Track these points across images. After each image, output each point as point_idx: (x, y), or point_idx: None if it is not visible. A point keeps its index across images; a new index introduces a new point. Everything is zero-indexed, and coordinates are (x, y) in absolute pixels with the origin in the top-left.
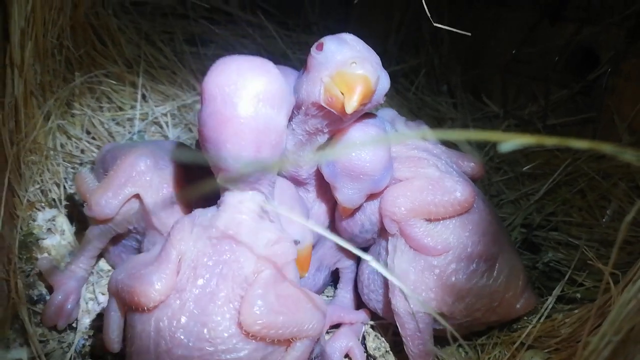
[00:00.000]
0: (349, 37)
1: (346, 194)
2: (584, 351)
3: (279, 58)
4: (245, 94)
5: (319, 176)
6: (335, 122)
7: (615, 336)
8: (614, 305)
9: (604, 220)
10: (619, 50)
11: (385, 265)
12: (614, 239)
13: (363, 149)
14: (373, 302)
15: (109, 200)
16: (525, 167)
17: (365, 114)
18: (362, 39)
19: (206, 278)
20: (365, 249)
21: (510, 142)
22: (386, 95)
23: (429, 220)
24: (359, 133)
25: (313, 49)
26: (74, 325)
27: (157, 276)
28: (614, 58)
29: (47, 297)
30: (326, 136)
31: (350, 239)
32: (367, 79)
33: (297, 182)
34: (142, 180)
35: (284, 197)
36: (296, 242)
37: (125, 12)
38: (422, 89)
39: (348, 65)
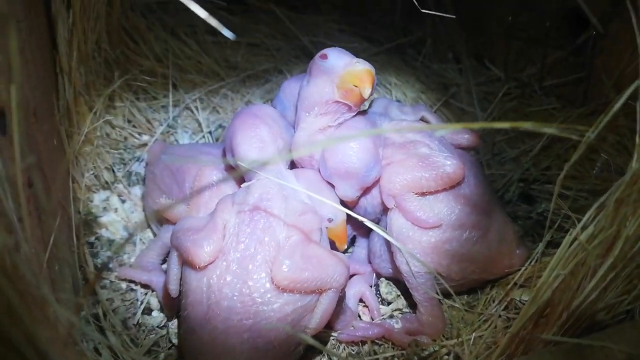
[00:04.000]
0: (341, 49)
1: (342, 190)
2: (537, 282)
3: (291, 40)
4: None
5: None
6: (344, 114)
7: (563, 270)
8: (563, 244)
9: (594, 172)
10: (605, 12)
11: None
12: (602, 189)
13: (348, 151)
14: (384, 269)
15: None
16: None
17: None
18: (369, 13)
19: (246, 243)
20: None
21: (443, 130)
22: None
23: (423, 194)
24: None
25: (318, 59)
26: (133, 287)
27: (207, 242)
28: (601, 20)
29: (110, 265)
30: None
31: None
32: (371, 71)
33: None
34: (219, 192)
35: (311, 183)
36: (330, 220)
37: (152, 12)
38: (429, 57)
39: (353, 64)
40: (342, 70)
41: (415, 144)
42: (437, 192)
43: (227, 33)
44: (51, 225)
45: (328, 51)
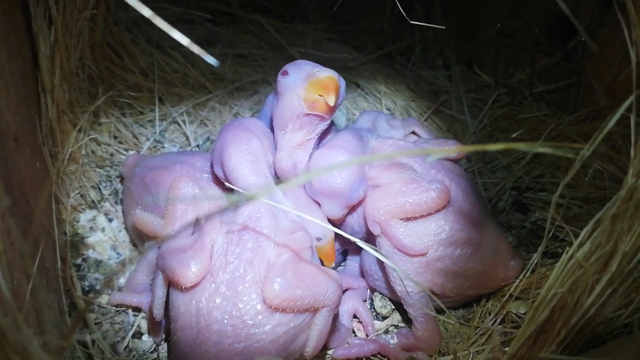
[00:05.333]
0: (302, 60)
1: (327, 209)
2: (534, 300)
3: (278, 50)
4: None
5: None
6: (318, 125)
7: (561, 288)
8: (560, 262)
9: (586, 179)
10: (594, 18)
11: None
12: (595, 196)
13: (332, 172)
14: (379, 288)
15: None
16: (515, 134)
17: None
18: (358, 22)
19: (235, 264)
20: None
21: (435, 155)
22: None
23: (408, 219)
24: (326, 158)
25: (280, 77)
26: (123, 309)
27: (194, 261)
28: (590, 26)
29: (97, 287)
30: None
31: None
32: (333, 77)
33: None
34: (195, 203)
35: (301, 201)
36: (318, 239)
37: (136, 25)
38: (418, 64)
39: (314, 74)
40: (304, 82)
41: (400, 167)
42: (422, 217)
43: (211, 60)
44: (34, 254)
45: (288, 67)
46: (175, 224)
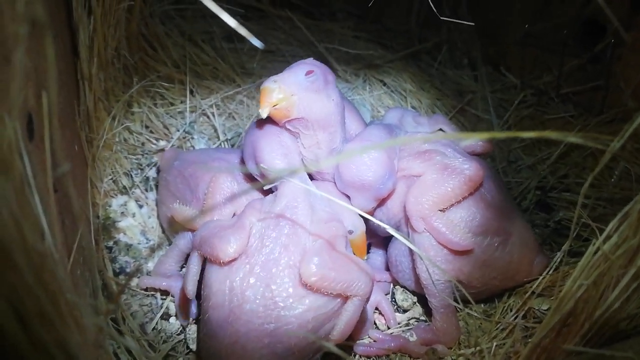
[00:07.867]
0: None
1: (357, 202)
2: (559, 293)
3: (307, 46)
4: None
5: None
6: (305, 125)
7: (586, 280)
8: (586, 254)
9: (612, 180)
10: (623, 21)
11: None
12: (620, 197)
13: (361, 165)
14: (402, 280)
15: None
16: None
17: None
18: (383, 21)
19: (270, 247)
20: (390, 236)
21: (469, 139)
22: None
23: (443, 211)
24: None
25: None
26: (151, 293)
27: (234, 237)
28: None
29: (127, 269)
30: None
31: (375, 230)
32: (264, 89)
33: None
34: (233, 198)
35: (331, 195)
36: (350, 232)
37: (170, 18)
38: (444, 64)
39: None
40: None
41: (430, 153)
42: (464, 198)
43: (256, 42)
44: (75, 231)
45: None
46: (213, 216)
